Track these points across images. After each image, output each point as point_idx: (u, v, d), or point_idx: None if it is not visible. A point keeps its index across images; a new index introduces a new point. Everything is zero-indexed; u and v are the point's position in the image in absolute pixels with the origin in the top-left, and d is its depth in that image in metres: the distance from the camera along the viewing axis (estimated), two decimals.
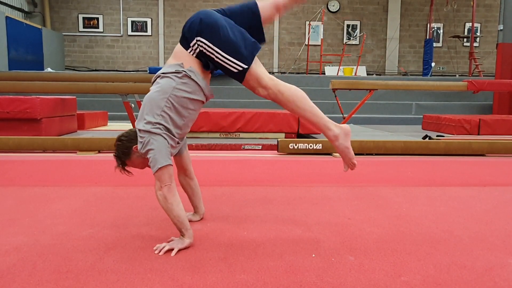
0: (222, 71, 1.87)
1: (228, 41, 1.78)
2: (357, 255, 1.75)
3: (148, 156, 1.77)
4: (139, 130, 1.79)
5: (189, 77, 1.81)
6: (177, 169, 2.10)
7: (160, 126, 1.77)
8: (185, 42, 1.83)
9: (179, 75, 1.81)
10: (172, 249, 1.74)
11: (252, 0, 1.94)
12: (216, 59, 1.80)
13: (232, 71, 1.81)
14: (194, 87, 1.83)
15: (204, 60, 1.84)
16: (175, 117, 1.80)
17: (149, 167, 1.82)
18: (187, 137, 2.07)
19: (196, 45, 1.80)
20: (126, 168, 1.94)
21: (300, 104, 1.85)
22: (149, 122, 1.77)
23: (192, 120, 1.91)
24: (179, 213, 1.78)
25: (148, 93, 1.85)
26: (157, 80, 1.86)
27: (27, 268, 1.58)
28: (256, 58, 1.84)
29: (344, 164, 1.97)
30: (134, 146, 1.85)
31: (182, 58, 1.84)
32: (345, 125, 1.90)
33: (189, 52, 1.82)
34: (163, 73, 1.85)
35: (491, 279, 1.54)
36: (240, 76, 1.83)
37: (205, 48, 1.79)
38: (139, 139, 1.80)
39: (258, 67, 1.84)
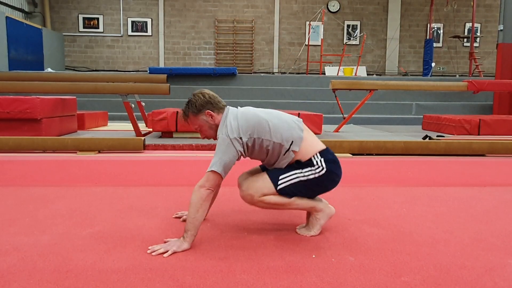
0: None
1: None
2: (357, 255, 1.75)
3: (216, 153, 1.83)
4: (230, 125, 1.84)
5: (280, 151, 1.90)
6: None
7: (242, 144, 1.84)
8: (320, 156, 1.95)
9: (285, 144, 1.89)
10: (167, 251, 1.74)
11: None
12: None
13: None
14: (275, 155, 1.92)
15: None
16: (255, 148, 1.89)
17: (202, 135, 1.95)
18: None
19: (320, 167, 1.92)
20: (188, 120, 1.97)
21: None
22: (238, 136, 1.83)
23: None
24: (199, 218, 1.80)
25: (270, 118, 1.92)
26: (287, 124, 1.93)
27: (27, 268, 1.58)
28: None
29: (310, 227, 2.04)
30: (207, 111, 1.90)
31: (312, 146, 1.95)
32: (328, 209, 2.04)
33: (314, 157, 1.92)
34: (292, 131, 1.92)
35: (491, 279, 1.54)
36: None
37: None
38: (223, 130, 1.84)
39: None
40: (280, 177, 1.89)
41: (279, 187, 1.89)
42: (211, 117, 1.91)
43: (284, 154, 1.90)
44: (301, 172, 1.90)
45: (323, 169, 1.90)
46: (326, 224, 2.14)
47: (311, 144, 1.95)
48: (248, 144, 1.87)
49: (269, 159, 1.95)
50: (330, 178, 1.94)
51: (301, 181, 1.90)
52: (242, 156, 1.91)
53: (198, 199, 1.79)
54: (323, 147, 1.98)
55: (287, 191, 1.90)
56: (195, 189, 1.81)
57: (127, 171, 3.61)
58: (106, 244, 1.84)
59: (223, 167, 1.80)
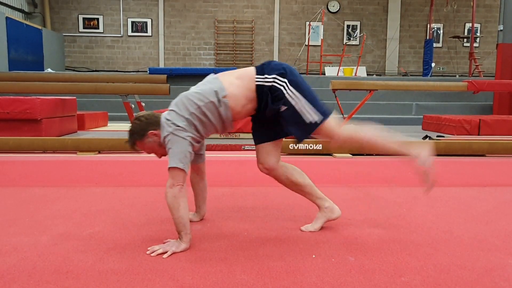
0: (285, 125, 1.88)
1: (310, 92, 1.86)
2: (357, 256, 1.75)
3: (168, 151, 1.80)
4: (166, 124, 1.81)
5: (216, 107, 1.82)
6: (190, 167, 2.10)
7: (185, 129, 1.78)
8: (260, 70, 1.86)
9: (210, 97, 1.81)
10: (166, 252, 1.73)
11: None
12: (293, 102, 1.82)
13: (304, 120, 1.84)
14: (216, 115, 1.84)
15: (261, 100, 1.85)
16: (199, 123, 1.82)
17: (157, 155, 1.89)
18: None
19: (272, 79, 1.83)
20: (135, 147, 1.95)
21: (374, 142, 1.94)
22: (175, 125, 1.78)
23: (209, 133, 1.92)
24: (183, 215, 1.78)
25: (189, 92, 1.87)
26: (203, 85, 1.88)
27: (27, 268, 1.58)
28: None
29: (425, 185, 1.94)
30: (150, 132, 1.87)
31: (242, 79, 1.86)
32: (425, 148, 1.90)
33: (256, 79, 1.84)
34: (210, 85, 1.85)
35: (491, 279, 1.54)
36: (308, 129, 1.87)
37: (284, 87, 1.82)
38: (164, 132, 1.81)
39: (330, 121, 1.90)
40: (302, 121, 1.84)
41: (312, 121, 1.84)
42: (156, 136, 1.87)
43: (221, 107, 1.82)
44: (288, 96, 1.82)
45: (277, 78, 1.82)
46: (326, 223, 2.14)
47: (240, 77, 1.87)
48: (193, 122, 1.80)
49: (224, 122, 1.87)
50: (294, 75, 1.85)
51: (298, 103, 1.83)
52: (197, 138, 1.84)
53: (172, 198, 1.77)
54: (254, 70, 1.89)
55: (312, 119, 1.85)
56: (165, 192, 1.78)
57: (127, 171, 3.61)
58: (106, 245, 1.84)
59: (179, 160, 1.76)
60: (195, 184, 2.17)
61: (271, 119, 1.90)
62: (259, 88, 1.84)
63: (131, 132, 1.91)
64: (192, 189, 2.17)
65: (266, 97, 1.84)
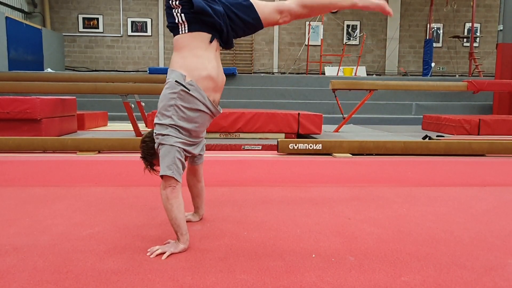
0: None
1: None
2: (357, 255, 1.75)
3: (160, 158, 1.80)
4: (154, 138, 1.83)
5: (187, 92, 1.79)
6: (187, 169, 2.10)
7: (171, 136, 1.77)
8: (171, 26, 1.85)
9: (177, 88, 1.79)
10: (165, 253, 1.73)
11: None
12: None
13: None
14: (193, 101, 1.80)
15: (198, 20, 1.81)
16: (183, 121, 1.79)
17: None
18: None
19: (180, 7, 1.80)
20: (155, 168, 1.94)
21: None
22: (161, 135, 1.78)
23: (201, 129, 1.90)
24: (177, 216, 1.77)
25: (161, 94, 1.86)
26: (167, 80, 1.87)
27: (27, 269, 1.58)
28: None
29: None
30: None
31: (180, 46, 1.84)
32: None
33: (183, 30, 1.82)
34: (170, 79, 1.84)
35: (491, 279, 1.54)
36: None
37: None
38: (155, 146, 1.84)
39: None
40: None
41: None
42: None
43: (191, 90, 1.78)
44: None
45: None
46: (326, 223, 2.14)
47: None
48: (178, 124, 1.77)
49: (206, 102, 1.83)
50: None
51: None
52: (188, 141, 1.82)
53: (165, 200, 1.77)
54: None
55: None
56: (160, 194, 1.79)
57: (127, 171, 3.61)
58: (106, 245, 1.84)
59: (167, 167, 1.75)
60: (192, 187, 2.15)
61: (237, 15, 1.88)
62: (191, 23, 1.81)
63: (144, 156, 1.93)
64: (189, 191, 2.16)
65: (205, 13, 1.80)
